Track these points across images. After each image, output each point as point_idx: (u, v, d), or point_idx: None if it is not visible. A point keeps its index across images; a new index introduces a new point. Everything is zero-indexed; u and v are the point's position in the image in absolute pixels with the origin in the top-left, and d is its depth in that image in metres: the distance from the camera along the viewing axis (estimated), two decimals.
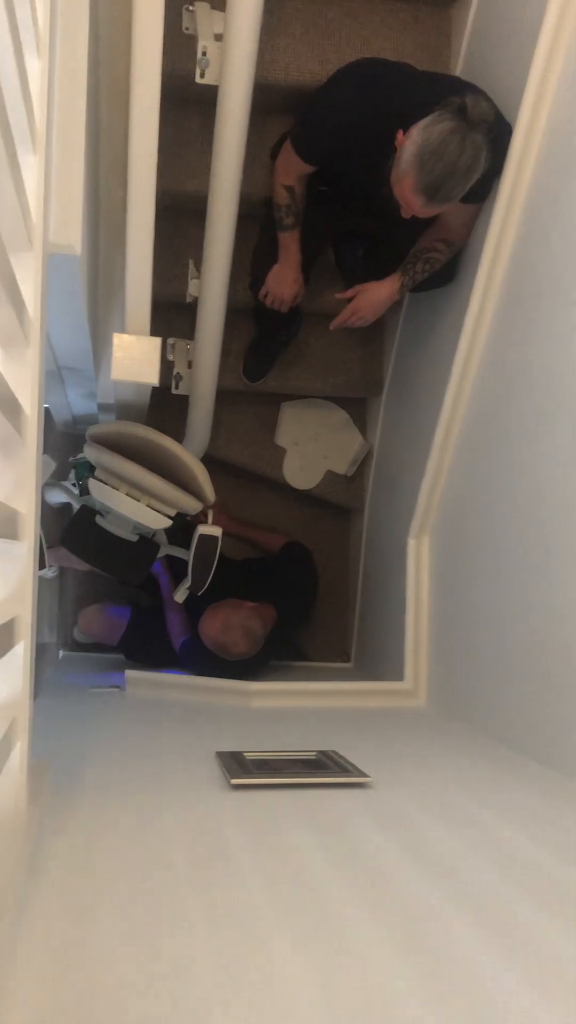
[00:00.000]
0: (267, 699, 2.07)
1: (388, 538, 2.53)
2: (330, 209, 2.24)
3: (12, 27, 0.85)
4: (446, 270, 2.13)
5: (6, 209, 0.89)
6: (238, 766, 1.33)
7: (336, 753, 1.44)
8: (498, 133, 1.76)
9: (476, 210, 1.96)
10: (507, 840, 1.09)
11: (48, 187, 1.12)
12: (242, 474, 2.96)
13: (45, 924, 0.78)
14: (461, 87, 1.88)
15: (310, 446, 2.93)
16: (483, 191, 1.87)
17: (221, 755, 1.41)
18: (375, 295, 2.12)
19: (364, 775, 1.30)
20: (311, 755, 1.45)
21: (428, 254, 2.04)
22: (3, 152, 0.81)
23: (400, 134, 1.73)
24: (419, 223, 1.91)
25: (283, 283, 2.27)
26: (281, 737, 1.73)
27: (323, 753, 1.45)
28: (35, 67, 1.03)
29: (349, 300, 2.17)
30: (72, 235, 1.22)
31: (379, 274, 2.47)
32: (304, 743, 1.54)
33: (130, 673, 2.18)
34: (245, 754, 1.41)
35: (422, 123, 1.68)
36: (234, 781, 1.24)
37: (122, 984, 0.70)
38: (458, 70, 2.27)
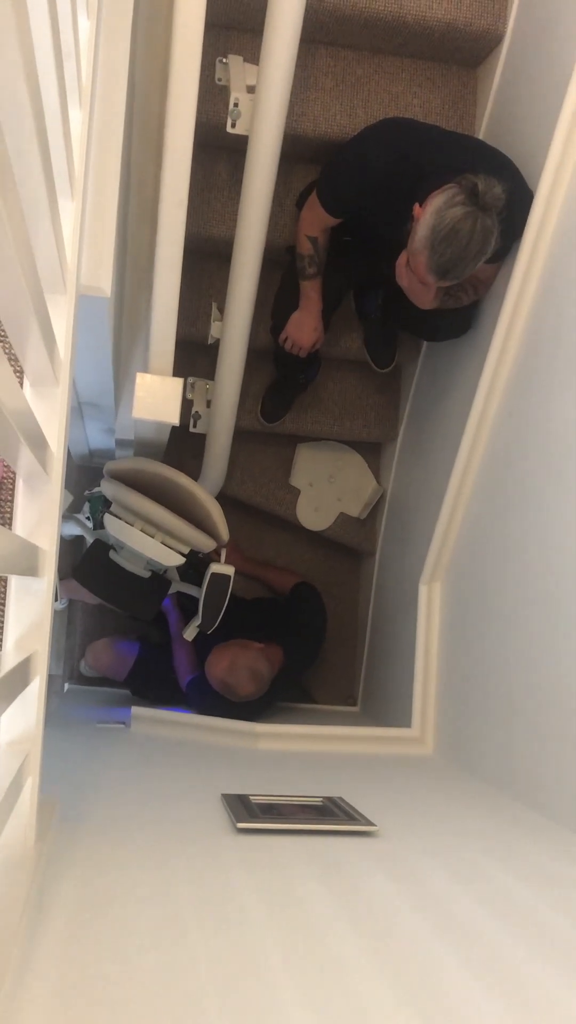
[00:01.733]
0: (274, 741, 2.06)
1: (399, 583, 2.53)
2: (352, 258, 2.28)
3: (60, 79, 0.88)
4: (463, 320, 2.16)
5: (44, 254, 0.92)
6: (244, 809, 1.32)
7: (343, 800, 1.43)
8: (517, 201, 1.79)
9: (496, 269, 2.00)
10: (514, 895, 1.08)
11: (82, 231, 1.15)
12: (256, 513, 2.98)
13: (53, 962, 0.78)
14: (486, 153, 1.93)
15: (324, 488, 2.95)
16: (502, 253, 1.91)
17: (227, 797, 1.40)
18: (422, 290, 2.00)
19: (371, 824, 1.29)
20: (317, 801, 1.44)
21: (456, 292, 2.06)
22: (45, 200, 0.83)
23: (417, 207, 1.78)
24: None
25: (303, 330, 2.30)
26: (287, 781, 1.72)
27: (330, 799, 1.44)
28: (77, 117, 1.07)
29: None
30: (103, 278, 1.25)
31: (398, 323, 2.51)
32: (310, 788, 1.53)
33: (136, 709, 2.17)
34: (251, 797, 1.40)
35: (436, 203, 1.72)
36: (240, 825, 1.24)
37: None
38: (483, 129, 2.32)
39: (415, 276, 1.85)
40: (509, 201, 1.72)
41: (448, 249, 1.72)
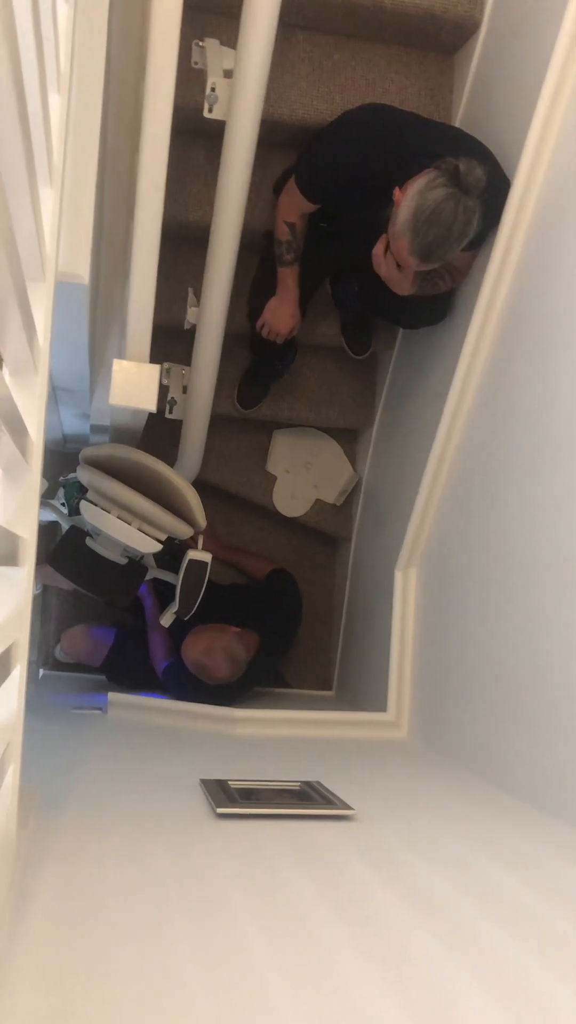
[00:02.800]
0: (251, 726, 2.07)
1: (375, 569, 2.55)
2: (329, 246, 2.28)
3: (40, 65, 0.88)
4: (440, 308, 2.17)
5: (24, 241, 0.91)
6: (224, 795, 1.33)
7: (320, 784, 1.45)
8: (495, 188, 1.80)
9: (472, 257, 2.01)
10: (488, 877, 1.11)
11: (60, 218, 1.14)
12: (232, 499, 2.98)
13: (37, 947, 0.79)
14: (463, 141, 1.93)
15: (300, 475, 2.96)
16: (479, 241, 1.92)
17: (206, 783, 1.41)
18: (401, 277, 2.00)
19: (348, 807, 1.31)
20: (295, 785, 1.45)
21: (433, 278, 2.07)
22: (26, 188, 0.83)
23: (397, 191, 1.78)
24: None
25: (280, 317, 2.30)
26: (265, 766, 1.74)
27: (307, 784, 1.45)
28: (56, 103, 1.06)
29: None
30: (81, 265, 1.24)
31: (375, 311, 2.51)
32: (288, 772, 1.54)
33: (113, 695, 2.18)
34: (230, 782, 1.42)
35: (417, 186, 1.72)
36: (220, 810, 1.25)
37: (114, 1011, 0.70)
38: (460, 116, 2.32)
39: (395, 260, 1.85)
40: (488, 187, 1.73)
41: (431, 231, 1.72)
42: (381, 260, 1.91)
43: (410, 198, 1.73)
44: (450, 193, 1.69)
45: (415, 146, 1.86)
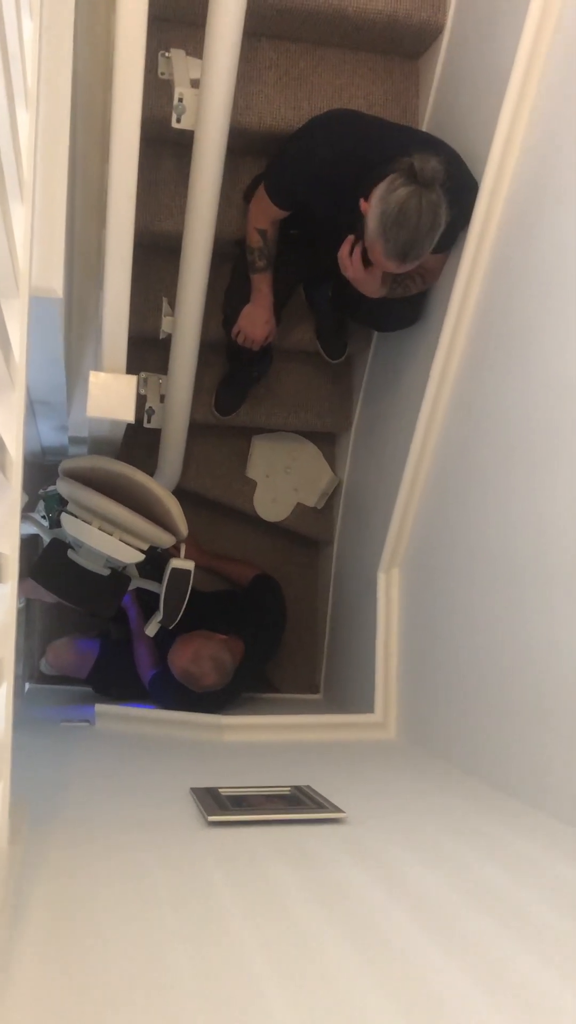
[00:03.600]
0: (239, 733, 2.08)
1: (357, 571, 2.56)
2: (301, 251, 2.30)
3: (7, 83, 0.88)
4: (413, 310, 2.19)
5: None
6: (214, 802, 1.33)
7: (310, 788, 1.45)
8: (464, 188, 1.82)
9: (443, 259, 2.02)
10: (481, 875, 1.12)
11: (32, 233, 1.14)
12: (213, 506, 2.99)
13: (33, 962, 0.79)
14: (430, 144, 1.95)
15: (280, 479, 2.97)
16: (448, 242, 1.93)
17: (196, 791, 1.41)
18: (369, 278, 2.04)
19: (339, 810, 1.31)
20: (285, 790, 1.46)
21: (405, 280, 2.08)
22: None
23: (363, 203, 1.79)
24: None
25: (255, 324, 2.31)
26: (254, 771, 1.74)
27: (297, 788, 1.46)
28: (24, 120, 1.06)
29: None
30: (55, 279, 1.25)
31: (349, 314, 2.53)
32: (277, 777, 1.54)
33: (100, 707, 2.17)
34: (220, 790, 1.42)
35: (379, 191, 1.74)
36: (211, 818, 1.25)
37: None
38: (426, 120, 2.34)
39: (364, 265, 1.87)
40: (455, 183, 1.74)
41: (401, 232, 1.74)
42: (347, 262, 1.93)
43: (375, 204, 1.75)
44: (411, 191, 1.71)
45: (381, 151, 1.88)
